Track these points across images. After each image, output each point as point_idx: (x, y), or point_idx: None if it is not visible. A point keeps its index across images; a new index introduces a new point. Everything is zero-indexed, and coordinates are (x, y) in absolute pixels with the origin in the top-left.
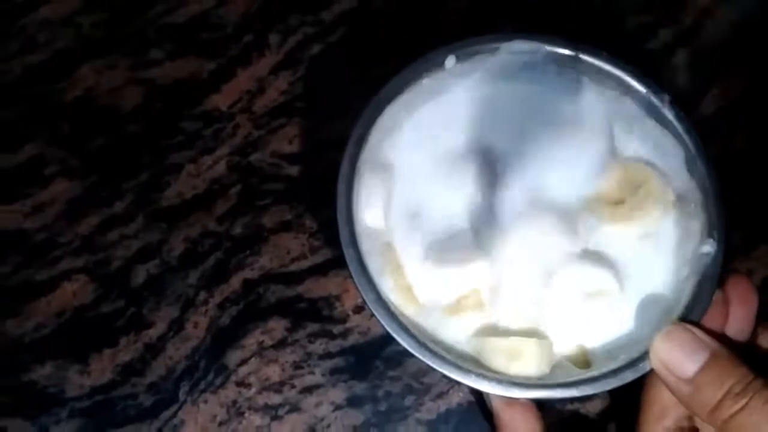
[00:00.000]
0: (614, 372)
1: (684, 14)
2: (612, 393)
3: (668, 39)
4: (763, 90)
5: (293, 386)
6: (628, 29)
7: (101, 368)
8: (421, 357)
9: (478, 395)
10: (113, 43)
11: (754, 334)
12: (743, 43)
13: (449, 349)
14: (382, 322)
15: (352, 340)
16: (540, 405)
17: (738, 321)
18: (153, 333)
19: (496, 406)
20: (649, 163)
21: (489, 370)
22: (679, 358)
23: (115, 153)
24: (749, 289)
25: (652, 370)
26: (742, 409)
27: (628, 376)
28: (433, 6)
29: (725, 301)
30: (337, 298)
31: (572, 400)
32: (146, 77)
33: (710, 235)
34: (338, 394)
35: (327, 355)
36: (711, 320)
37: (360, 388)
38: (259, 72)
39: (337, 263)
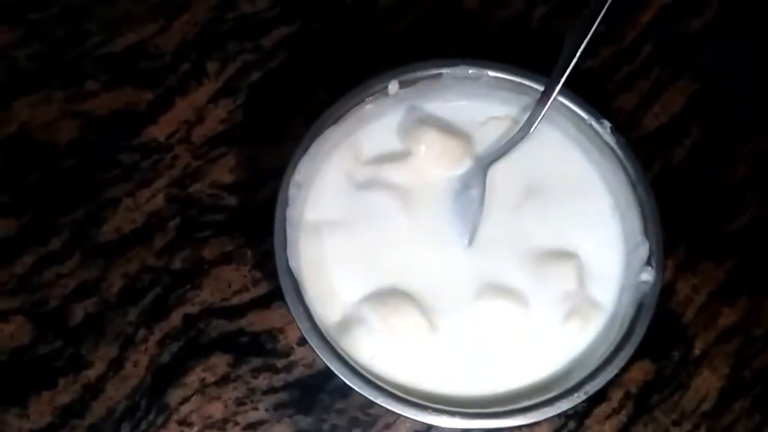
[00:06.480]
0: (550, 401)
1: (624, 32)
2: None
3: (609, 57)
4: (704, 103)
5: (236, 423)
6: None
7: (40, 411)
8: (352, 385)
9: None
10: (49, 76)
11: None
12: (684, 58)
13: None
14: (317, 351)
15: (297, 373)
16: None
17: None
18: (92, 373)
19: None
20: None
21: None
22: None
23: (51, 189)
24: None
25: None
26: None
27: (563, 405)
28: (372, 30)
29: None
30: (281, 330)
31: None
32: (82, 110)
33: (648, 263)
34: (283, 430)
35: (271, 390)
36: None
37: (305, 422)
38: (197, 101)
39: (280, 295)
